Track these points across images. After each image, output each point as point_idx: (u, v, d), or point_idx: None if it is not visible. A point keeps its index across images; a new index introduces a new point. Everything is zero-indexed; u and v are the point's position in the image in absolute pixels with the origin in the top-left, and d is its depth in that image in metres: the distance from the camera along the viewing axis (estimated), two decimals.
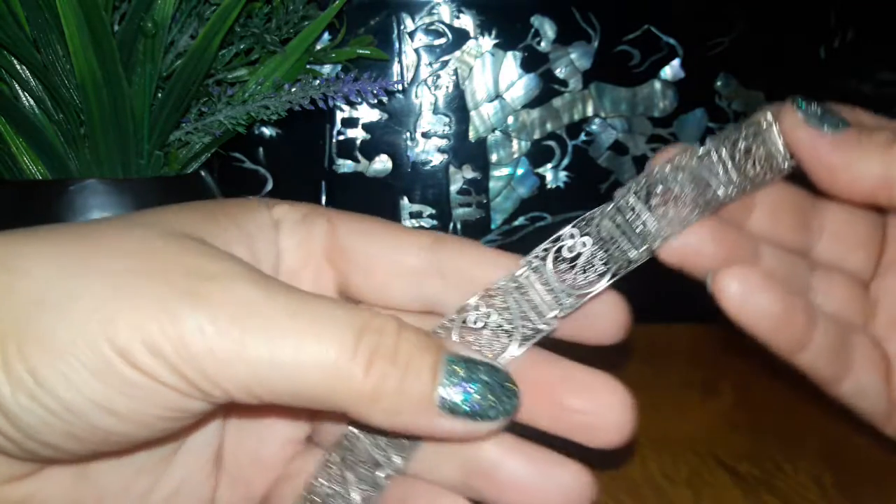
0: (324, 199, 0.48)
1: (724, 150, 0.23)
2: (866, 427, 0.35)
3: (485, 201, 0.49)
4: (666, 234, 0.23)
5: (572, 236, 0.23)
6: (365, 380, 0.19)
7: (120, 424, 0.18)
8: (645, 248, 0.23)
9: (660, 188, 0.23)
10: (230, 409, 0.23)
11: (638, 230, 0.23)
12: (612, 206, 0.23)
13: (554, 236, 0.23)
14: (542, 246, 0.23)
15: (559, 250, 0.23)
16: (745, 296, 0.23)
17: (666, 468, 0.31)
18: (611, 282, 0.22)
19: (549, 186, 0.49)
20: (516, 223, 0.49)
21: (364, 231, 0.24)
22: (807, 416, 0.36)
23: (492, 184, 0.49)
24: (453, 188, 0.49)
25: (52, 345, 0.18)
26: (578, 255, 0.23)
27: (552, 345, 0.23)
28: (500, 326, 0.23)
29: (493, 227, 0.49)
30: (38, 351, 0.18)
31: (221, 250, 0.20)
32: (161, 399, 0.18)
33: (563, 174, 0.49)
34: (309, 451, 0.25)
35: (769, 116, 0.24)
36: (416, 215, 0.49)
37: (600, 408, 0.22)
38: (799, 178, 0.24)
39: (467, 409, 0.20)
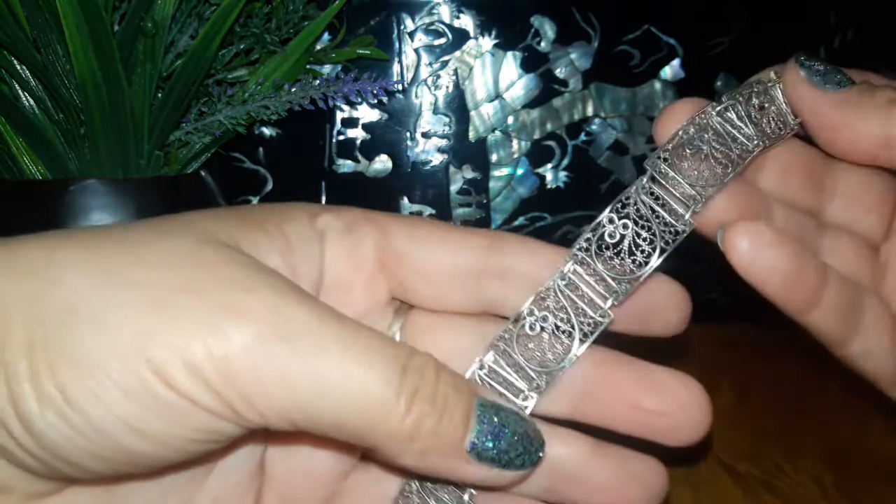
0: (324, 199, 0.48)
1: (740, 106, 0.23)
2: (866, 427, 0.35)
3: (485, 201, 0.49)
4: (706, 196, 0.22)
5: (611, 221, 0.22)
6: (405, 418, 0.18)
7: (149, 446, 0.18)
8: (689, 213, 0.22)
9: (689, 150, 0.22)
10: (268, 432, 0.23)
11: (678, 195, 0.22)
12: (645, 179, 0.22)
13: (593, 224, 0.22)
14: (584, 236, 0.22)
15: (601, 238, 0.22)
16: (755, 252, 0.22)
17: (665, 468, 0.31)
18: (661, 259, 0.22)
19: (549, 186, 0.49)
20: (516, 223, 0.49)
21: (419, 235, 0.23)
22: (807, 416, 0.36)
23: (492, 184, 0.49)
24: (453, 188, 0.49)
25: (84, 361, 0.17)
26: (622, 238, 0.22)
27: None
28: (558, 327, 0.22)
29: (493, 227, 0.49)
30: (69, 367, 0.17)
31: (261, 263, 0.19)
32: (194, 421, 0.18)
33: (563, 174, 0.49)
34: (364, 468, 0.24)
35: (773, 75, 0.24)
36: (416, 215, 0.49)
37: (677, 408, 0.22)
38: (810, 137, 0.24)
39: (495, 456, 0.19)
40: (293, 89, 0.38)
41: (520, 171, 0.49)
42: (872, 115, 0.22)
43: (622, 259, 0.22)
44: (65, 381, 0.17)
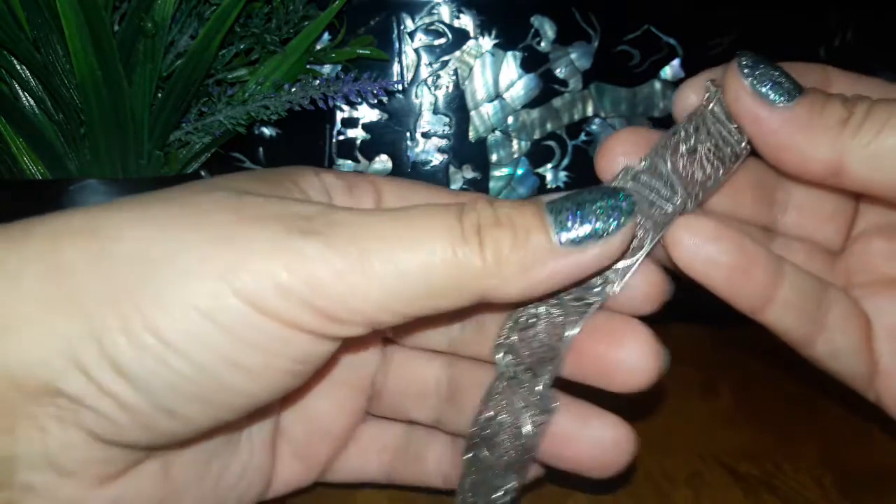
0: None
1: (662, 163, 0.22)
2: (867, 427, 0.35)
3: None
4: (632, 271, 0.22)
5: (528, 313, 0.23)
6: (483, 253, 0.19)
7: (248, 381, 0.18)
8: (611, 290, 0.22)
9: None
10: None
11: (599, 282, 0.22)
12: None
13: (509, 315, 0.23)
14: (506, 325, 0.23)
15: (517, 322, 0.23)
16: (695, 247, 0.21)
17: (665, 468, 0.31)
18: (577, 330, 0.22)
19: (549, 186, 0.49)
20: None
21: (407, 195, 0.25)
22: (807, 416, 0.36)
23: (492, 184, 0.49)
24: (453, 188, 0.49)
25: (174, 302, 0.17)
26: (536, 322, 0.22)
27: None
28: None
29: None
30: (160, 311, 0.17)
31: (299, 197, 0.21)
32: (291, 347, 0.18)
33: (563, 174, 0.49)
34: (370, 420, 0.26)
35: (711, 87, 0.22)
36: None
37: (625, 352, 0.22)
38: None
39: (588, 232, 0.19)
40: (293, 89, 0.38)
41: (520, 171, 0.49)
42: (821, 138, 0.21)
43: (538, 344, 0.22)
44: (159, 324, 0.17)
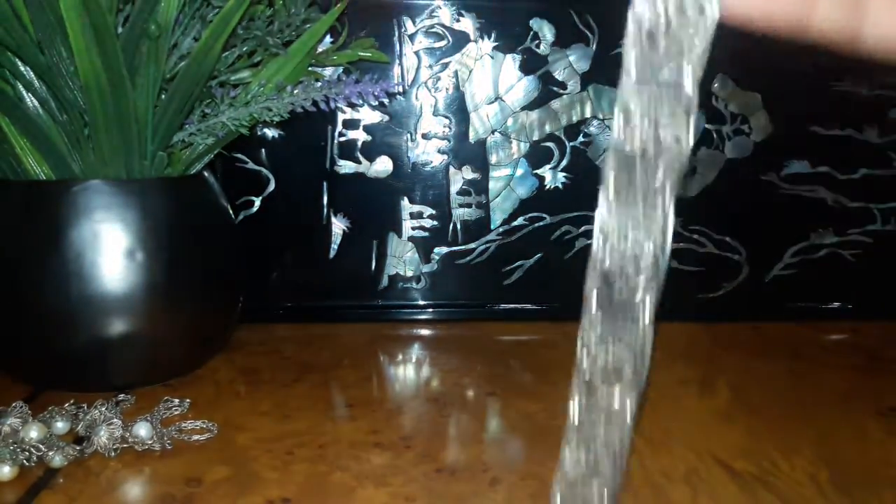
0: (325, 199, 0.48)
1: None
2: (861, 424, 0.35)
3: (484, 202, 0.49)
4: None
5: None
6: None
7: None
8: None
9: None
10: None
11: None
12: None
13: None
14: None
15: None
16: None
17: (663, 466, 0.31)
18: None
19: (547, 187, 0.49)
20: (516, 223, 0.49)
21: None
22: (803, 413, 0.37)
23: (491, 184, 0.49)
24: (453, 189, 0.49)
25: None
26: None
27: None
28: None
29: (492, 227, 0.49)
30: None
31: None
32: None
33: (561, 175, 0.50)
34: None
35: None
36: (416, 216, 0.49)
37: None
38: None
39: None
40: (295, 91, 0.38)
41: (519, 172, 0.49)
42: None
43: None
44: None
